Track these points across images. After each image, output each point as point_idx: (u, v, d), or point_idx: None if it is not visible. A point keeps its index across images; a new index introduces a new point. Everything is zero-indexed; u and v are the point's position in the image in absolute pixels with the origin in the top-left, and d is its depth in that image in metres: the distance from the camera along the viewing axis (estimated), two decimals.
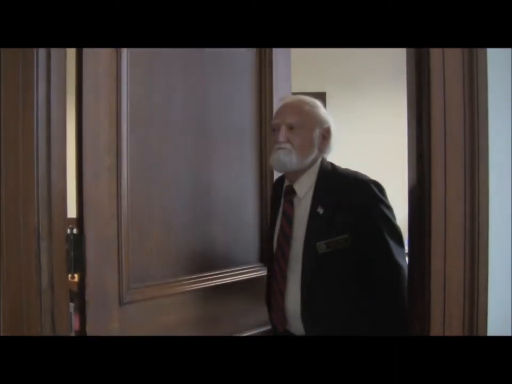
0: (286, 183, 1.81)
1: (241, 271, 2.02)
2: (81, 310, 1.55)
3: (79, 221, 1.56)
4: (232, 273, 1.99)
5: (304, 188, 1.76)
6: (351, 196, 1.67)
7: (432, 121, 1.38)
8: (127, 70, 1.62)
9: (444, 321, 1.42)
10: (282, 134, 1.70)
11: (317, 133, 1.75)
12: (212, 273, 1.91)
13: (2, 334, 1.37)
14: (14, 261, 1.39)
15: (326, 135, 1.77)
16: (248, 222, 2.08)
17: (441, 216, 1.39)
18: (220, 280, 1.93)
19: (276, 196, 1.90)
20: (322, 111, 1.78)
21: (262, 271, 2.03)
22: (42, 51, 1.40)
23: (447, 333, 1.41)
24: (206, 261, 1.90)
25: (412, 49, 1.46)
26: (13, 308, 1.38)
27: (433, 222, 1.40)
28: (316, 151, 1.75)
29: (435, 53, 1.37)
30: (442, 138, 1.37)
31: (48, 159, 1.45)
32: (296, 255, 1.72)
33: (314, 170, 1.77)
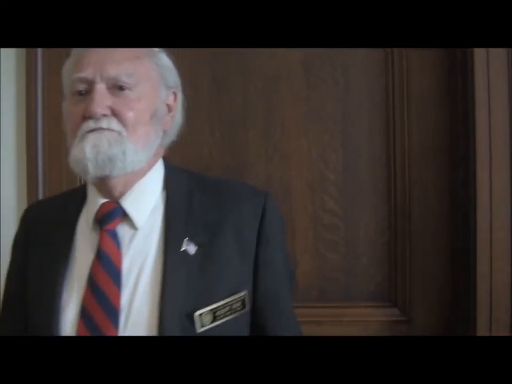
0: (96, 199, 0.95)
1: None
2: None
3: None
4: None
5: (144, 207, 0.94)
6: (245, 219, 0.95)
7: (477, 121, 1.36)
8: None
9: (490, 327, 1.40)
10: (101, 101, 0.88)
11: (162, 98, 0.96)
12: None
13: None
14: None
15: (172, 104, 0.99)
16: None
17: (487, 218, 1.37)
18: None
19: (35, 230, 1.01)
20: (165, 58, 1.00)
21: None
22: None
23: None
24: None
25: (456, 50, 1.45)
26: None
27: (478, 223, 1.38)
28: (161, 134, 0.96)
29: (479, 53, 1.36)
30: (487, 138, 1.36)
31: None
32: None
33: (157, 173, 0.98)
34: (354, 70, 1.55)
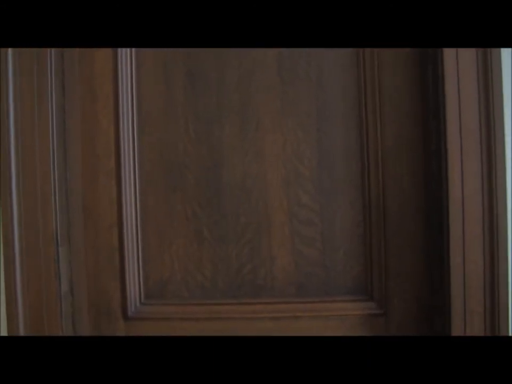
0: None
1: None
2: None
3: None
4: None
5: None
6: None
7: (448, 115, 1.38)
8: (131, 70, 1.56)
9: (465, 318, 1.42)
10: None
11: None
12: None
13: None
14: (34, 267, 1.40)
15: None
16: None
17: (459, 211, 1.39)
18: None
19: None
20: None
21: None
22: (56, 54, 1.43)
23: (468, 330, 1.41)
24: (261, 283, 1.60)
25: (426, 50, 1.46)
26: (34, 314, 1.40)
27: (451, 217, 1.39)
28: None
29: (448, 53, 1.37)
30: (458, 132, 1.37)
31: (64, 166, 1.48)
32: None
33: None
34: (327, 66, 1.56)
